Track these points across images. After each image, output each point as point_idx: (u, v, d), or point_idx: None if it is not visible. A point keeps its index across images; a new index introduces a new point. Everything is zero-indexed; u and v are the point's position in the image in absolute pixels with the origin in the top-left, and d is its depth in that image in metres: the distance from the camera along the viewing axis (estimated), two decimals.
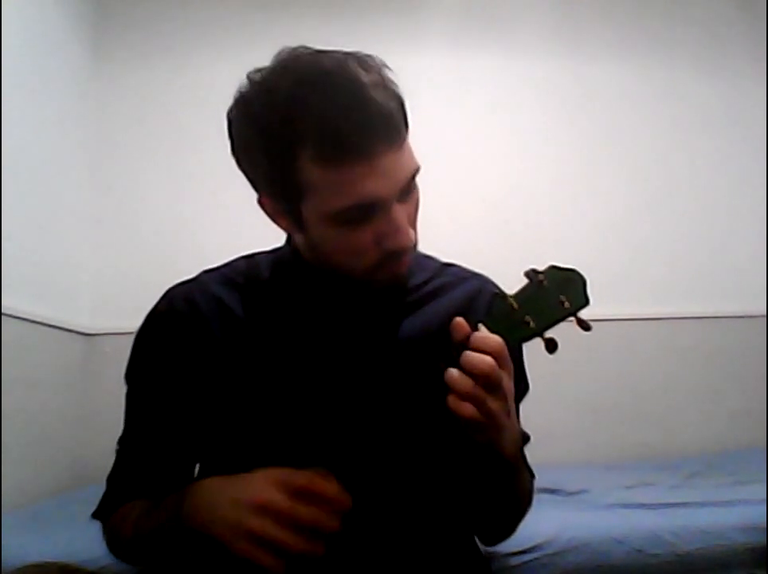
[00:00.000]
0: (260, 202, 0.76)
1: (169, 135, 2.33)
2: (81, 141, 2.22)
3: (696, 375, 2.38)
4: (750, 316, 2.41)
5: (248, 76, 0.72)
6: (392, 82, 0.71)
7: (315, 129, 0.65)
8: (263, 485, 0.64)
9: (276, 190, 0.72)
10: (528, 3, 2.52)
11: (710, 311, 2.41)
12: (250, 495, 0.64)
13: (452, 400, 0.62)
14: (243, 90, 0.72)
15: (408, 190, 0.72)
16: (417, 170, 0.72)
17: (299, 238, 0.79)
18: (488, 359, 0.62)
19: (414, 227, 0.74)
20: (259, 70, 0.72)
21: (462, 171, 2.39)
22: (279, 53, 0.72)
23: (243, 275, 0.84)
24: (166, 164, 2.32)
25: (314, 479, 0.63)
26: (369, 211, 0.69)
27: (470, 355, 0.62)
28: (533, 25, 2.50)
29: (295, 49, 0.71)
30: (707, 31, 2.60)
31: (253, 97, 0.70)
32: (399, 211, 0.70)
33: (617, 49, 2.55)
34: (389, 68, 0.72)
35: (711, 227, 2.50)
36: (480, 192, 2.39)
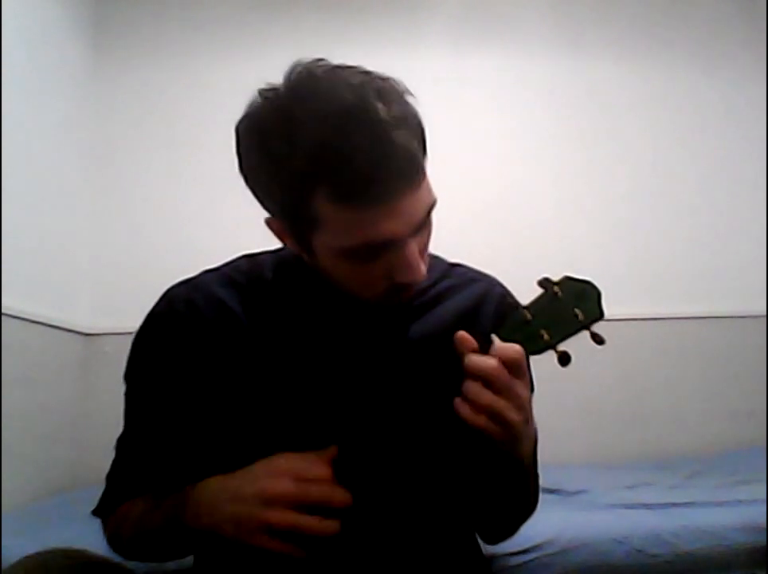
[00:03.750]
0: (267, 222, 0.74)
1: (169, 136, 2.32)
2: (81, 141, 2.22)
3: (696, 375, 2.38)
4: (750, 316, 2.41)
5: (261, 95, 0.68)
6: (412, 113, 0.68)
7: (334, 169, 0.62)
8: (267, 477, 0.65)
9: (287, 219, 0.70)
10: (528, 3, 2.51)
11: (710, 311, 2.40)
12: (257, 488, 0.64)
13: (466, 410, 0.63)
14: (256, 110, 0.68)
15: (424, 224, 0.70)
16: (433, 203, 0.70)
17: (306, 259, 0.76)
18: (492, 361, 0.62)
19: (424, 255, 0.72)
20: (273, 89, 0.67)
21: (462, 170, 2.38)
22: (292, 70, 0.67)
23: (245, 275, 0.83)
24: (165, 164, 2.32)
25: (313, 462, 0.65)
26: (381, 249, 0.67)
27: (474, 359, 0.63)
28: (533, 25, 2.50)
29: (309, 67, 0.67)
30: (707, 31, 2.59)
31: (269, 123, 0.66)
32: (412, 247, 0.68)
33: (617, 48, 2.55)
34: (410, 93, 0.69)
35: (711, 227, 2.50)
36: (479, 192, 2.39)
